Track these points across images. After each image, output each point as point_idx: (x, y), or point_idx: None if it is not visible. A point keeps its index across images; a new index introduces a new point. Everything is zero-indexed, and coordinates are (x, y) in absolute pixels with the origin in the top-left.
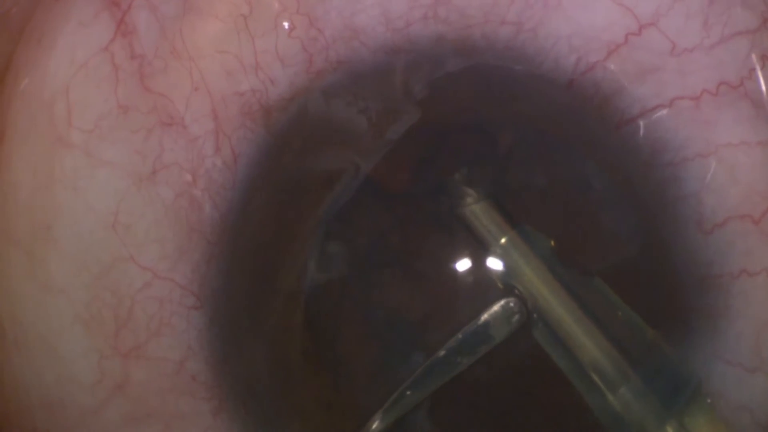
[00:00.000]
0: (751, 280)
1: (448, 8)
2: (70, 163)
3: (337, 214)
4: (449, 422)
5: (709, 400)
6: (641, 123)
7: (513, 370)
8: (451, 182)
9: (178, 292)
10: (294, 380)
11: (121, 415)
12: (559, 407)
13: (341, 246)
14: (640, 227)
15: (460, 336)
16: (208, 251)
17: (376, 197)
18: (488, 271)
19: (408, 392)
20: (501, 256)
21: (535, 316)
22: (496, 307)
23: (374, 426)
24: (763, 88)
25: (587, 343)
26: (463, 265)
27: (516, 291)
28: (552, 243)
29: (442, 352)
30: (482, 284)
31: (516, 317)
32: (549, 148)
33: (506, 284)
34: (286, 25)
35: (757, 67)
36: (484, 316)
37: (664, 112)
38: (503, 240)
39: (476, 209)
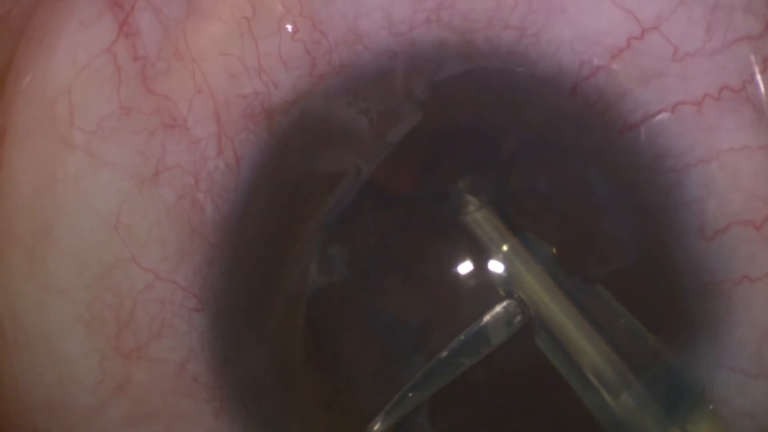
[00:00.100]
0: (752, 286)
1: (451, 12)
2: (72, 163)
3: (338, 216)
4: (450, 424)
5: (711, 407)
6: (644, 128)
7: (514, 373)
8: (454, 190)
9: (179, 294)
10: (295, 382)
11: (122, 416)
12: (561, 411)
13: (343, 248)
14: (642, 234)
15: (461, 337)
16: (210, 253)
17: (378, 200)
18: (490, 277)
19: (409, 394)
20: (503, 264)
21: (537, 323)
22: (498, 309)
23: (376, 428)
24: (765, 92)
25: (589, 350)
26: (465, 270)
27: (518, 298)
28: (554, 250)
29: (443, 354)
30: (483, 291)
31: (518, 318)
32: (551, 154)
33: (508, 291)
34: (289, 28)
35: (759, 72)
36: (486, 318)
37: (667, 117)
38: (505, 247)
39: (478, 217)
